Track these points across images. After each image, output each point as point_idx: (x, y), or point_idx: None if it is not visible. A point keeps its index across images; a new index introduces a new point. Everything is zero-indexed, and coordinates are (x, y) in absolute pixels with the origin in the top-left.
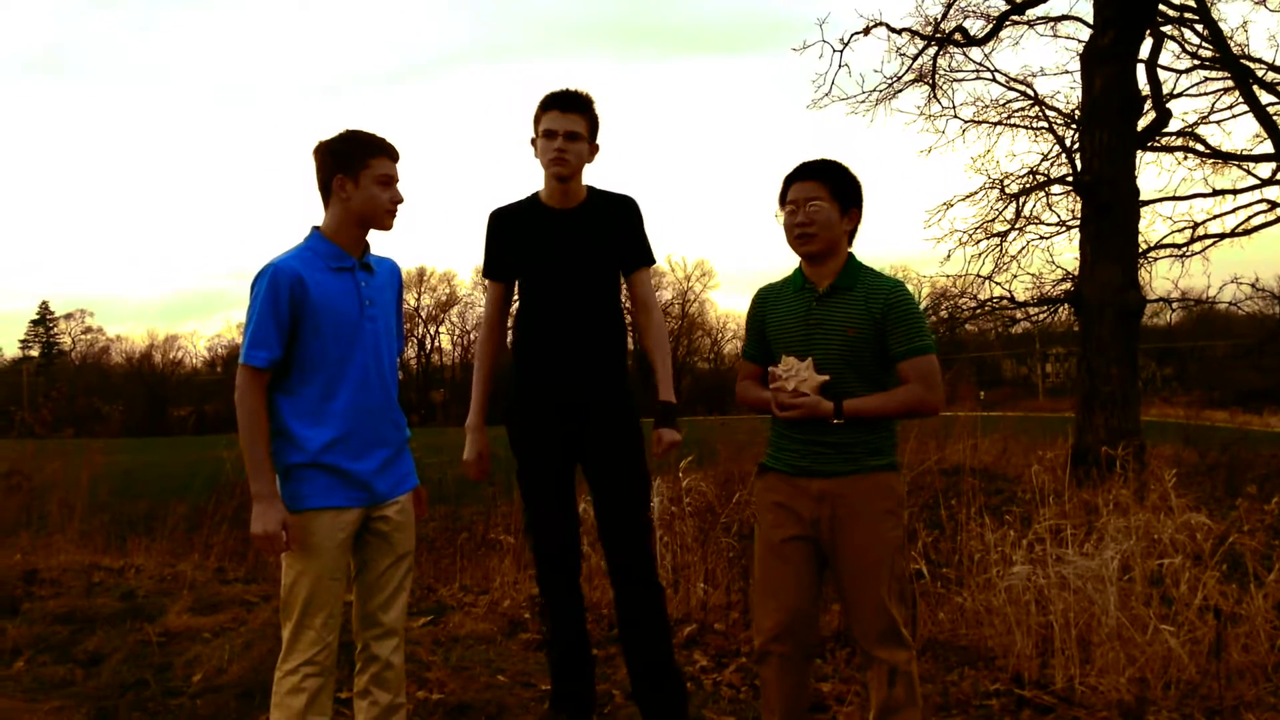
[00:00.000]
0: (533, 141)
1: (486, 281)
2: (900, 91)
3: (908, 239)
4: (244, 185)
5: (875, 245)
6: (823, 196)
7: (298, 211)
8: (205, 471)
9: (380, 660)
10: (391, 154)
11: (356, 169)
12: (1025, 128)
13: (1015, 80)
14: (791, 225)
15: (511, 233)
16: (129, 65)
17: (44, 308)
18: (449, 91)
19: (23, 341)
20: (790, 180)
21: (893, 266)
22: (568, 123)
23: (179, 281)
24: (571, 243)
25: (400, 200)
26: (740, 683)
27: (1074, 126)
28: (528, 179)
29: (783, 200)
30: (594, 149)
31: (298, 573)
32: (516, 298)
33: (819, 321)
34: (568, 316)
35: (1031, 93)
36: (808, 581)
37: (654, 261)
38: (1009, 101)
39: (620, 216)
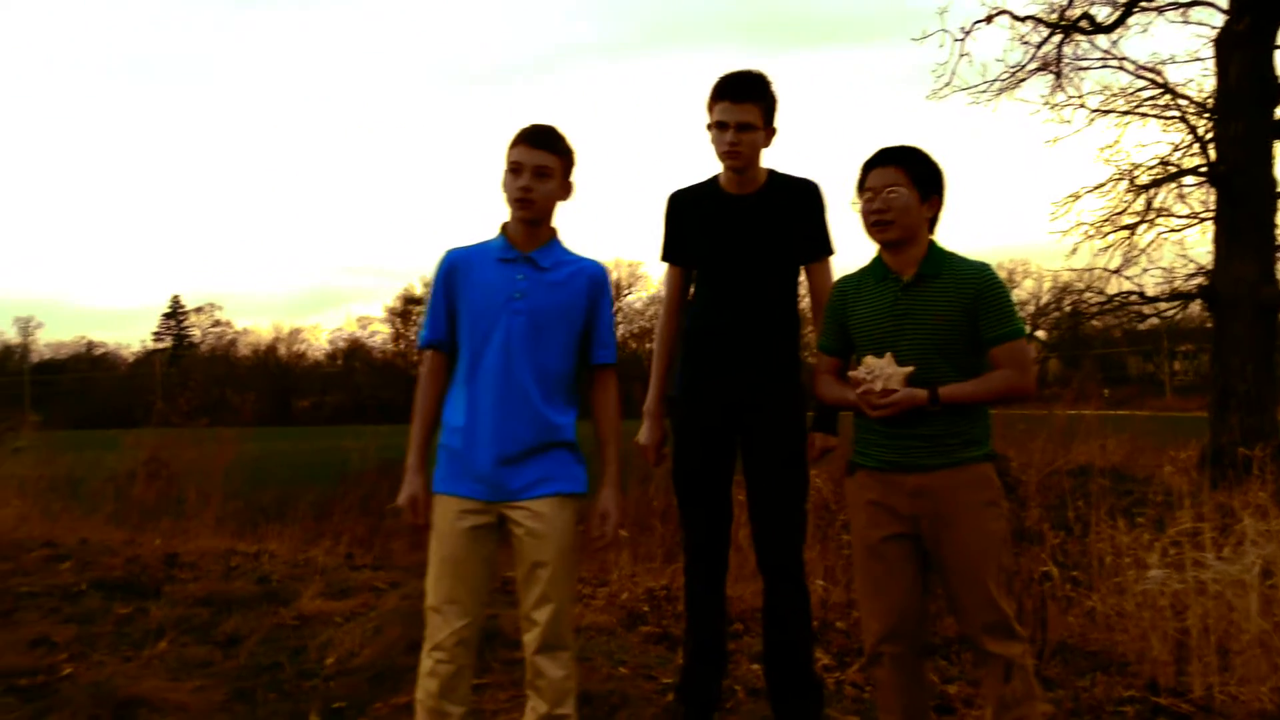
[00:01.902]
0: (708, 128)
1: (666, 265)
2: (1024, 81)
3: (1024, 232)
4: (366, 182)
5: (992, 238)
6: (902, 182)
7: (425, 207)
8: (330, 461)
9: (534, 668)
10: (526, 141)
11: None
12: (1155, 117)
13: (1144, 68)
14: (869, 212)
15: (687, 217)
16: (267, 66)
17: (175, 302)
18: (568, 86)
19: (155, 334)
20: (869, 166)
21: (1012, 260)
22: (740, 113)
23: (303, 276)
24: (744, 231)
25: (524, 185)
26: (864, 682)
27: (1207, 115)
28: (647, 173)
29: (860, 187)
30: (770, 133)
31: (431, 556)
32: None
33: (906, 310)
34: (739, 308)
35: (1161, 81)
36: (910, 579)
37: (834, 251)
38: (1138, 90)
39: (800, 203)
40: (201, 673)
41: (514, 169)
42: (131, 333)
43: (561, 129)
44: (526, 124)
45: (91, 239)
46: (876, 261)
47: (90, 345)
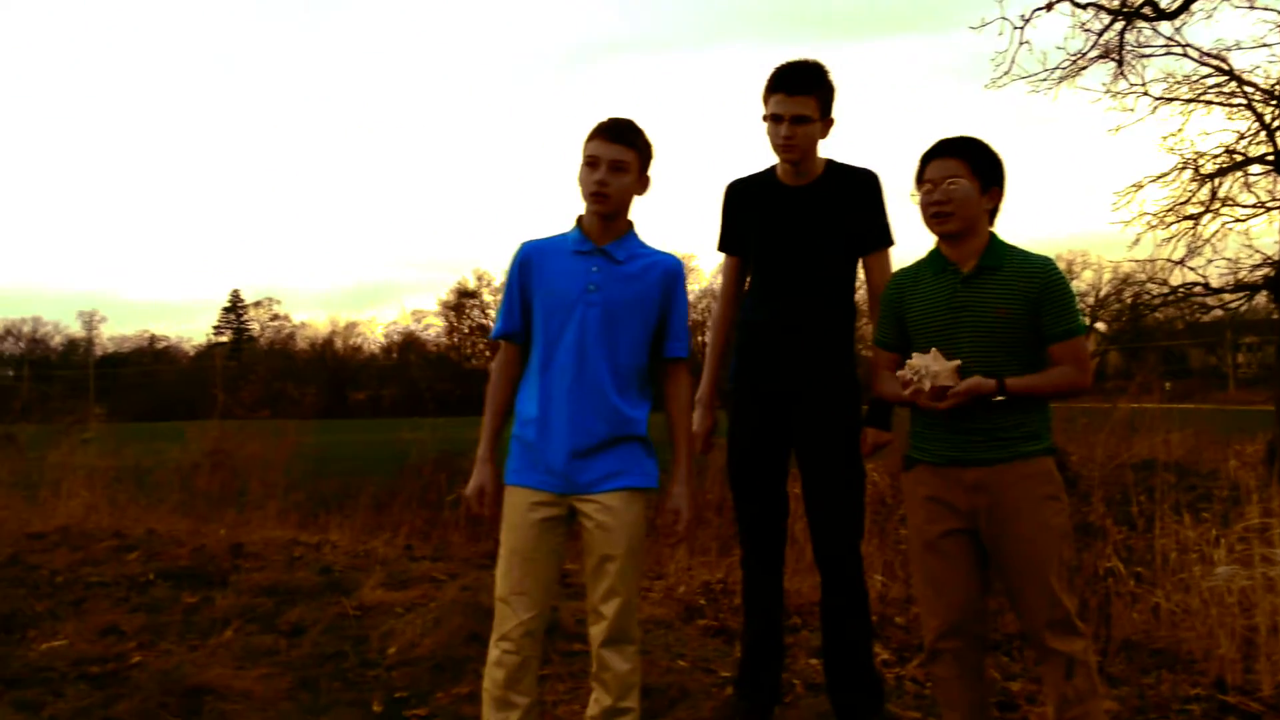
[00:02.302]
0: (764, 119)
1: (722, 256)
2: (1085, 69)
3: (1082, 223)
4: (420, 176)
5: (1049, 228)
6: (961, 174)
7: (480, 200)
8: (388, 453)
9: (600, 661)
10: (597, 134)
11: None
12: (1220, 104)
13: (1209, 55)
14: (928, 204)
15: (744, 207)
16: (327, 60)
17: (235, 296)
18: (624, 78)
19: (215, 328)
20: (928, 158)
21: (1070, 251)
22: (795, 106)
23: (358, 270)
24: (801, 222)
25: (599, 179)
26: (924, 678)
27: (1275, 103)
28: (701, 166)
29: (919, 179)
30: (828, 124)
31: (501, 547)
32: None
33: (965, 304)
34: (793, 299)
35: (1227, 67)
36: (970, 574)
37: (893, 242)
38: (1202, 77)
39: (858, 193)
40: (266, 661)
41: (590, 162)
42: (192, 326)
43: (639, 123)
44: (604, 117)
45: (152, 234)
46: (934, 253)
47: (152, 339)
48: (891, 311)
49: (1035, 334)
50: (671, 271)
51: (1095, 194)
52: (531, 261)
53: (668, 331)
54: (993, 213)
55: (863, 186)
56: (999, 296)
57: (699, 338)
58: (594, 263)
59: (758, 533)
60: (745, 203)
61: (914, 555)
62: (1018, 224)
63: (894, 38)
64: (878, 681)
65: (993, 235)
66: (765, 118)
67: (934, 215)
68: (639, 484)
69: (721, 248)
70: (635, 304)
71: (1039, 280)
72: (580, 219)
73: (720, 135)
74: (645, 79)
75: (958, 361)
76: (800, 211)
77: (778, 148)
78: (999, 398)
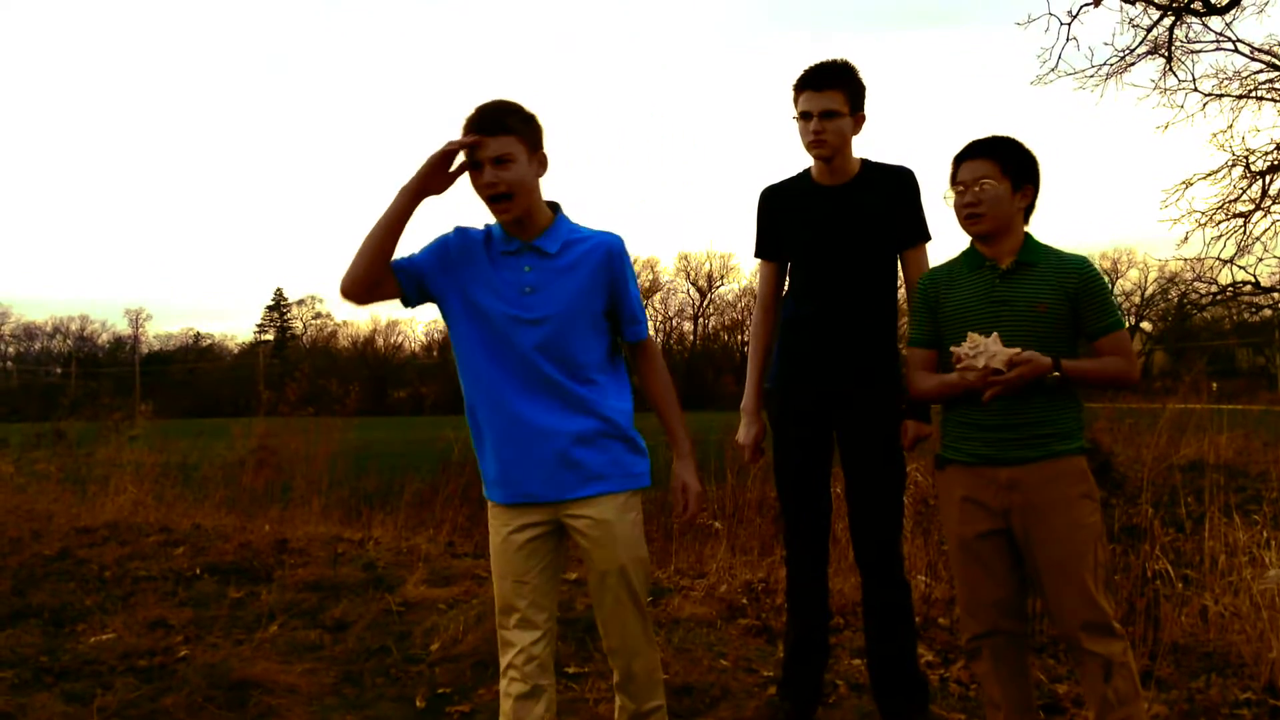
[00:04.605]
0: (794, 119)
1: (760, 262)
2: (1133, 65)
3: (1128, 222)
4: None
5: (1095, 228)
6: (993, 175)
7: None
8: (430, 451)
9: (617, 670)
10: (470, 127)
11: None
12: (1272, 100)
13: (1260, 50)
14: (961, 206)
15: (781, 211)
16: (368, 59)
17: (278, 294)
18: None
19: (259, 326)
20: (960, 160)
21: (1116, 249)
22: (823, 101)
23: None
24: (840, 221)
25: (490, 183)
26: (968, 680)
27: None
28: (738, 166)
29: (953, 181)
30: (859, 120)
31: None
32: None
33: (1004, 298)
34: (834, 299)
35: (1279, 63)
36: (1008, 575)
37: (930, 238)
38: (1253, 73)
39: (894, 190)
40: (311, 656)
41: (474, 165)
42: (236, 325)
43: (508, 101)
44: (471, 108)
45: (198, 238)
46: (970, 250)
47: (197, 336)
48: (926, 306)
49: (1071, 330)
50: (613, 249)
51: (1142, 193)
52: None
53: (622, 316)
54: (1027, 210)
55: (898, 183)
56: (1038, 291)
57: (739, 337)
58: (525, 261)
59: (803, 533)
60: (781, 206)
61: (952, 556)
62: (1062, 224)
63: (950, 28)
64: (922, 683)
65: (1027, 234)
66: (795, 118)
67: (967, 217)
68: (632, 486)
69: (759, 254)
70: (579, 294)
71: (1077, 276)
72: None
73: (760, 136)
74: (705, 74)
75: (1015, 350)
76: (840, 211)
77: (809, 145)
78: (1055, 374)
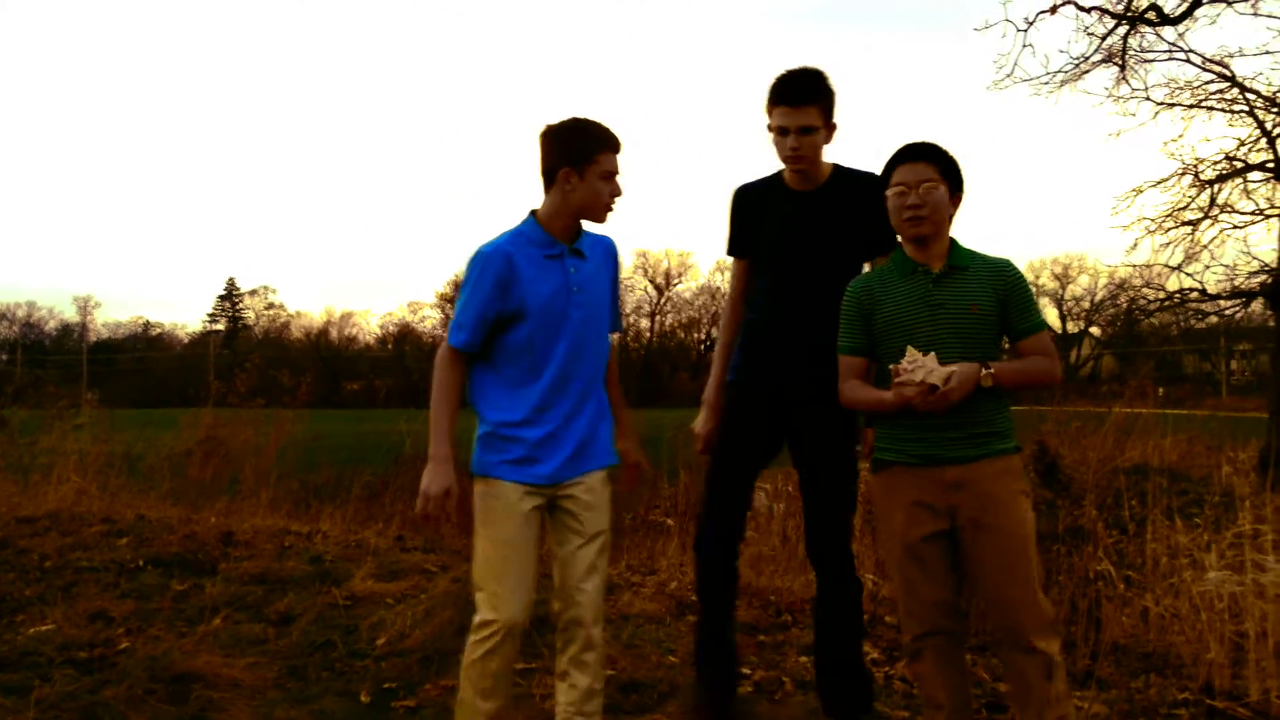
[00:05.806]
0: (768, 129)
1: (730, 259)
2: (1087, 73)
3: (1078, 228)
4: (418, 169)
5: (1043, 234)
6: (935, 178)
7: (477, 194)
8: (381, 444)
9: (577, 641)
10: (617, 148)
11: (583, 163)
12: (1222, 110)
13: (1211, 61)
14: (901, 207)
15: (752, 212)
16: (327, 55)
17: (230, 284)
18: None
19: (210, 315)
20: (898, 161)
21: (1068, 255)
22: (800, 118)
23: (355, 260)
24: (808, 226)
25: (620, 194)
26: (912, 677)
27: (1276, 110)
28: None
29: (888, 182)
30: (831, 130)
31: (482, 538)
32: None
33: (940, 302)
34: (799, 302)
35: (1229, 74)
36: (947, 573)
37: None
38: (1204, 83)
39: (864, 198)
40: (255, 649)
41: (607, 176)
42: (187, 314)
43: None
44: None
45: (149, 227)
46: (899, 256)
47: (147, 325)
48: (859, 313)
49: (997, 331)
50: (615, 251)
51: (1094, 200)
52: (515, 270)
53: (613, 311)
54: (952, 217)
55: (869, 192)
56: (973, 294)
57: (694, 335)
58: (569, 264)
59: (724, 523)
60: (753, 207)
61: (893, 558)
62: (1012, 230)
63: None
64: (867, 680)
65: (953, 239)
66: (770, 129)
67: (910, 219)
68: (612, 461)
69: (731, 251)
70: (605, 296)
71: (1005, 278)
72: (539, 217)
73: (721, 138)
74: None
75: (954, 367)
76: (810, 216)
77: (785, 159)
78: (988, 372)
